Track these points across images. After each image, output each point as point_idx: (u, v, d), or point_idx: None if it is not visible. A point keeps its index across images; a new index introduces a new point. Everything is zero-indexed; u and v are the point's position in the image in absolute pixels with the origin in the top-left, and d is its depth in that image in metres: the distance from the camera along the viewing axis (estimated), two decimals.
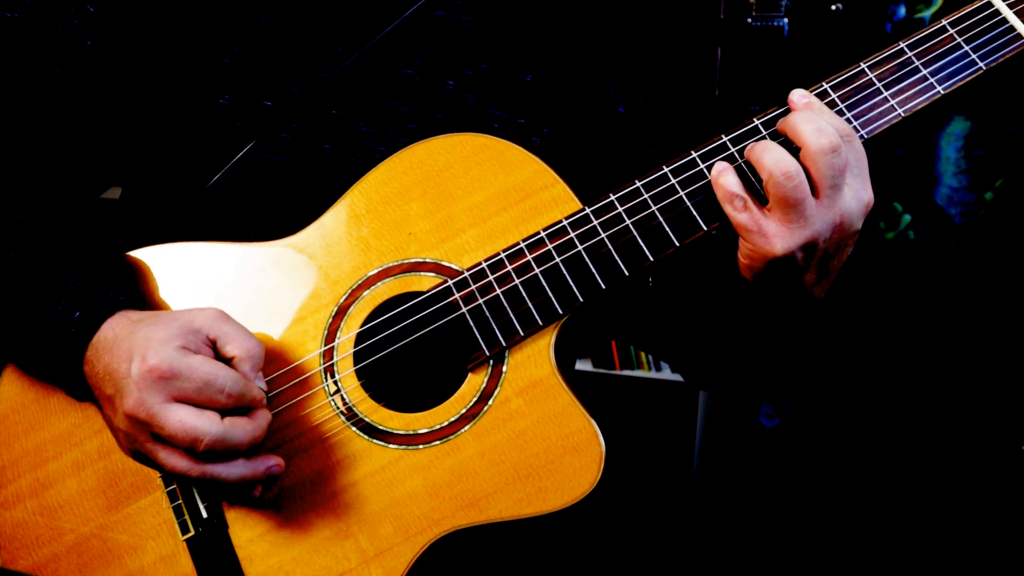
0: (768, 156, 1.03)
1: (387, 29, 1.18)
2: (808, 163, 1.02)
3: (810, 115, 1.04)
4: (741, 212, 1.05)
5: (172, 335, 0.98)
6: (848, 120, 1.09)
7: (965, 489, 2.61)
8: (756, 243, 1.04)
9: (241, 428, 0.99)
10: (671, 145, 1.26)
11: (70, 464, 1.12)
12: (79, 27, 1.14)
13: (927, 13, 2.50)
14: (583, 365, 3.06)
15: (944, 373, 2.62)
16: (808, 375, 2.71)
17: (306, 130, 1.17)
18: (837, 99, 1.10)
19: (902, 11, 2.51)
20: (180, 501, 1.11)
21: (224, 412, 0.99)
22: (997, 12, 1.11)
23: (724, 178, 1.06)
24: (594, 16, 1.29)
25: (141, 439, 0.99)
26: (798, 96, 1.08)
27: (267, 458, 1.03)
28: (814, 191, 1.03)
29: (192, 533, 1.10)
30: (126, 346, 0.99)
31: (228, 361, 1.01)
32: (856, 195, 1.05)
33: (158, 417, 0.96)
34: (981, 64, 1.11)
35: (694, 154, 1.10)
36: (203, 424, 0.96)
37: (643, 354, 2.98)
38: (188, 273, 1.13)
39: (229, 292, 1.12)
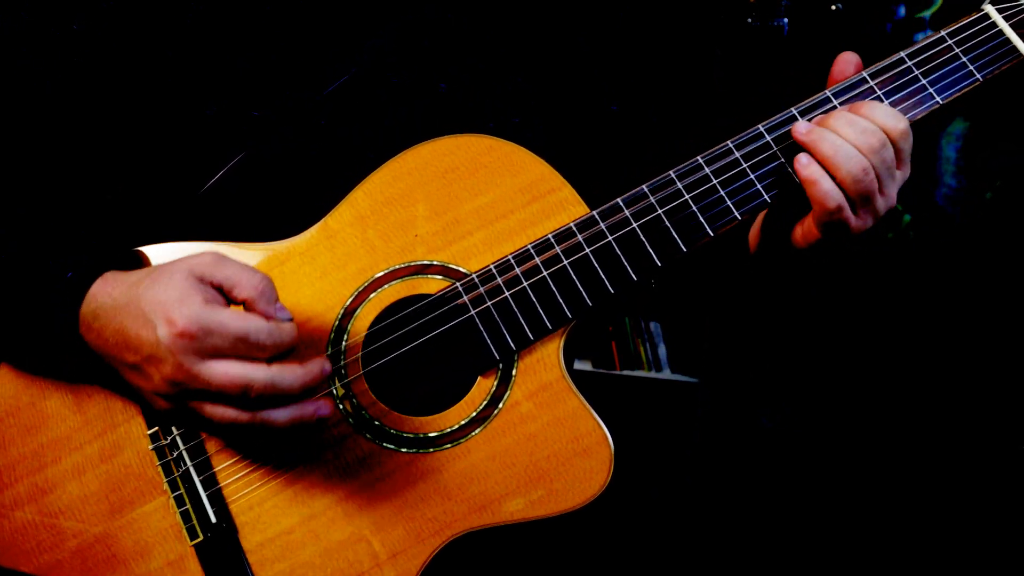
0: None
1: (378, 33, 1.18)
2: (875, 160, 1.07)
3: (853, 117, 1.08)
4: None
5: (186, 290, 0.95)
6: None
7: (965, 489, 2.61)
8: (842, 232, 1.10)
9: (291, 372, 0.97)
10: (671, 146, 1.28)
11: (70, 468, 1.10)
12: (65, 42, 1.13)
13: (927, 13, 2.51)
14: (583, 365, 3.06)
15: (944, 373, 2.62)
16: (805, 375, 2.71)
17: (298, 138, 1.16)
18: (838, 106, 1.11)
19: (902, 11, 2.51)
20: (188, 506, 1.09)
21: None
22: (994, 24, 1.13)
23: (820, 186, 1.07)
24: (590, 15, 1.29)
25: (185, 399, 0.97)
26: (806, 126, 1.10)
27: (314, 401, 1.00)
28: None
29: (201, 538, 1.09)
30: (134, 309, 0.96)
31: (242, 304, 0.99)
32: None
33: (202, 375, 0.94)
34: (979, 76, 1.13)
35: (699, 159, 1.11)
36: (251, 371, 0.95)
37: (643, 354, 2.98)
38: None
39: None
